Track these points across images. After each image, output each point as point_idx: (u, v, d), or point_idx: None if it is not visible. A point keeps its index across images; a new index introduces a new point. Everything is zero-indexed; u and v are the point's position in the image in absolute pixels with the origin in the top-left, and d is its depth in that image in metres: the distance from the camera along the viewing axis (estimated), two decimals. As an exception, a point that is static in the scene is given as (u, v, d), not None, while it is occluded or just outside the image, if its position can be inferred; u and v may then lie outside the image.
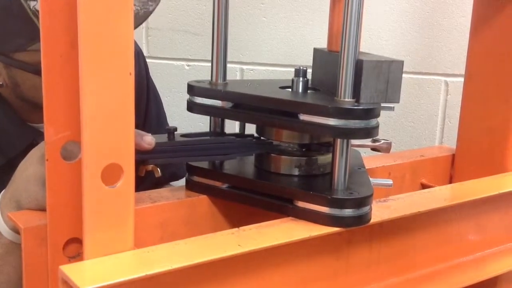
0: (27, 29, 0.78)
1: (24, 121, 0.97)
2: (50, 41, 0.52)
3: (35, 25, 0.72)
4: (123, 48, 0.49)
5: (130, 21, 0.49)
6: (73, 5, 0.48)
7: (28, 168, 0.65)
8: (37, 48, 0.77)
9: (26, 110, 0.96)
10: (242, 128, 0.78)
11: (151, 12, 0.85)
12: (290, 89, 0.72)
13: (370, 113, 0.62)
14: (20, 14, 0.76)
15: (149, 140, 0.66)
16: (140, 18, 0.84)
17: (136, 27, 0.81)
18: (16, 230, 0.65)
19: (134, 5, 0.83)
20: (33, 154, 0.66)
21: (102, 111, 0.49)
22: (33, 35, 0.74)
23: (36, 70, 0.82)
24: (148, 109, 1.15)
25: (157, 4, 0.85)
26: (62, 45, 0.52)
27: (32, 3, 0.73)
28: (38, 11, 0.72)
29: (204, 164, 0.74)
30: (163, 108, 1.21)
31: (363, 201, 0.64)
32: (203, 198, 0.73)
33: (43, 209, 0.59)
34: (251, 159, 0.75)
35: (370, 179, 0.70)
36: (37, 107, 0.89)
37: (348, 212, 0.63)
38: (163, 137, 0.70)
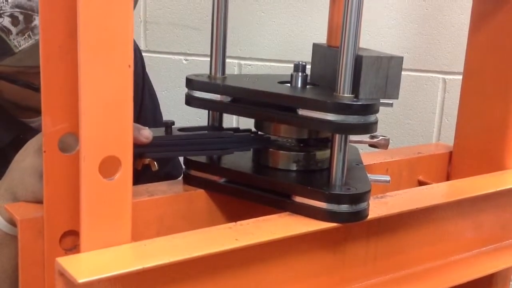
0: None
1: (11, 115, 0.96)
2: (49, 32, 0.51)
3: (4, 41, 0.72)
4: (122, 40, 0.49)
5: (130, 12, 0.49)
6: (72, -4, 0.48)
7: (24, 160, 0.65)
8: (5, 63, 0.75)
9: (10, 108, 0.95)
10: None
11: None
12: (289, 84, 0.72)
13: (369, 108, 0.62)
14: None
15: (146, 134, 0.66)
16: None
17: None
18: (11, 222, 0.64)
19: None
20: (30, 146, 0.66)
21: (100, 103, 0.49)
22: (2, 51, 0.73)
23: (11, 80, 0.81)
24: (142, 107, 1.14)
25: None
26: (61, 36, 0.51)
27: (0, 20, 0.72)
28: (6, 27, 0.71)
29: (202, 158, 0.73)
30: (159, 107, 1.20)
31: (361, 197, 0.64)
32: (201, 192, 0.72)
33: (39, 201, 0.59)
34: (249, 154, 0.75)
35: (368, 175, 0.70)
36: (20, 108, 0.88)
37: (345, 207, 0.63)
38: (161, 131, 0.70)
